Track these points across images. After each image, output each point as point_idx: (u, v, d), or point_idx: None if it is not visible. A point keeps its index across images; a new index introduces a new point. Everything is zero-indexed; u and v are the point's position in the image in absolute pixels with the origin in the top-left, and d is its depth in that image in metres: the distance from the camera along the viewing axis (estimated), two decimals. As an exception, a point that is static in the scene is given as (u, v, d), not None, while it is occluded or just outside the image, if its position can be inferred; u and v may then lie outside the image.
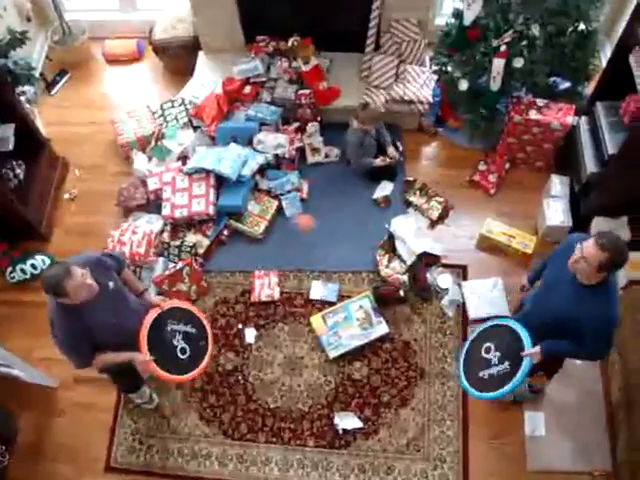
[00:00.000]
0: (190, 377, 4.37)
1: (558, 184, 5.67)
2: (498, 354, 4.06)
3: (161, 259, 5.69)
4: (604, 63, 5.75)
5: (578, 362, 4.84)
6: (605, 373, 5.04)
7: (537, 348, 3.88)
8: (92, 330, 3.88)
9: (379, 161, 5.91)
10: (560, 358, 4.23)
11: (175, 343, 4.29)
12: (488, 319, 4.39)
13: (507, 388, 3.95)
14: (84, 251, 4.36)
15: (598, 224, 5.29)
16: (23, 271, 5.73)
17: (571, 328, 3.70)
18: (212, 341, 4.52)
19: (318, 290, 5.54)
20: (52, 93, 7.03)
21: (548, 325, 3.87)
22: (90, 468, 4.99)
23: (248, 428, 5.04)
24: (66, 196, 6.26)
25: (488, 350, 4.12)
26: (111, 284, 3.98)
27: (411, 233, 5.65)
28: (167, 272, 5.52)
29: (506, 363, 4.00)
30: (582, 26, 5.40)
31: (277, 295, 5.53)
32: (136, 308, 4.28)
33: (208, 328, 4.52)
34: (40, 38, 7.19)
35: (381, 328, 5.28)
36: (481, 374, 4.10)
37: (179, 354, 4.29)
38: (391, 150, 5.97)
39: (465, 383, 4.17)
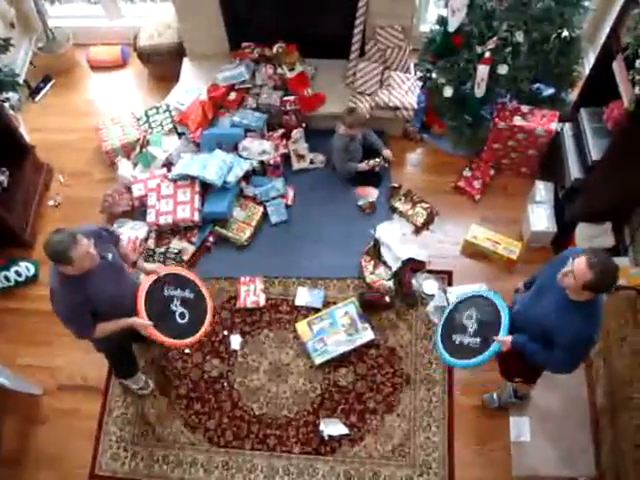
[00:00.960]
0: (191, 342, 4.48)
1: (543, 190, 5.70)
2: (475, 326, 4.13)
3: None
4: (587, 70, 5.78)
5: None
6: (590, 378, 5.06)
7: (508, 337, 3.92)
8: (92, 300, 3.88)
9: (364, 165, 5.91)
10: (537, 365, 4.23)
11: (174, 308, 4.38)
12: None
13: (465, 363, 4.08)
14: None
15: (582, 230, 5.31)
16: (7, 278, 5.69)
17: (548, 337, 3.71)
18: (211, 306, 4.62)
19: (303, 296, 5.53)
20: (36, 100, 7.00)
21: (531, 329, 3.88)
22: (74, 476, 4.95)
23: (233, 435, 5.02)
24: (50, 203, 6.23)
25: (470, 317, 4.19)
26: (110, 256, 4.02)
27: (396, 239, 5.66)
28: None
29: (477, 339, 4.07)
30: (565, 33, 5.43)
31: (262, 302, 5.51)
32: (133, 281, 4.39)
33: (205, 292, 4.61)
34: (24, 45, 7.15)
35: (367, 334, 5.27)
36: (454, 337, 4.19)
37: (178, 319, 4.38)
38: (386, 152, 5.99)
39: (439, 340, 4.28)
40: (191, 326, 4.42)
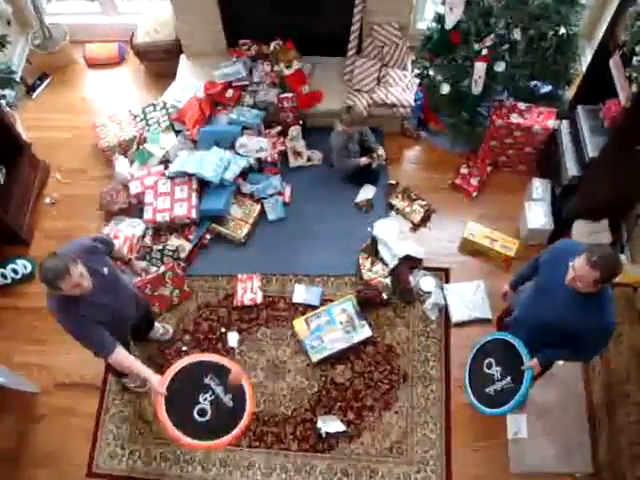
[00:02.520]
0: (187, 443, 3.87)
1: (540, 187, 5.70)
2: (499, 369, 4.13)
3: (143, 263, 5.65)
4: (585, 67, 5.78)
5: (560, 363, 4.87)
6: (586, 375, 5.07)
7: (535, 360, 3.93)
8: (90, 315, 3.85)
9: (364, 160, 5.90)
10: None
11: (200, 400, 3.90)
12: (480, 342, 4.39)
13: (513, 403, 4.00)
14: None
15: (579, 227, 5.32)
16: (4, 276, 5.69)
17: (564, 333, 3.72)
18: (244, 430, 4.02)
19: (301, 294, 5.53)
20: (33, 97, 6.99)
21: (540, 329, 3.90)
22: (72, 474, 4.95)
23: (231, 432, 5.03)
24: (47, 200, 6.22)
25: (490, 365, 4.18)
26: (105, 270, 3.99)
27: (393, 236, 5.66)
28: (149, 276, 5.49)
29: (508, 378, 4.06)
30: (563, 30, 5.43)
31: (260, 299, 5.51)
32: (130, 291, 4.39)
33: (247, 415, 3.94)
34: (20, 42, 7.15)
35: (364, 331, 5.28)
36: (487, 390, 4.16)
37: (195, 413, 3.88)
38: (381, 151, 5.98)
39: (474, 401, 4.21)
40: (203, 429, 3.86)
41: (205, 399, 3.89)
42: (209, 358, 4.03)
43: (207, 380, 3.93)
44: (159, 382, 3.87)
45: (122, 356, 3.98)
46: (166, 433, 3.91)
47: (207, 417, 3.86)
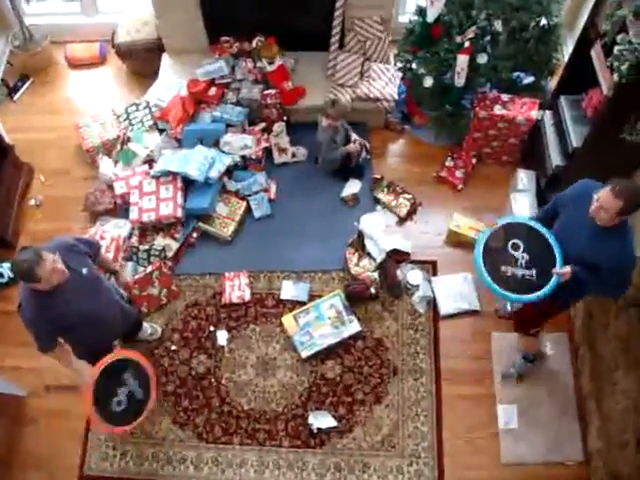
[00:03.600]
0: (103, 428, 4.42)
1: (524, 178, 5.72)
2: (526, 256, 4.03)
3: (130, 263, 5.65)
4: (566, 57, 5.80)
5: (549, 353, 4.90)
6: (575, 364, 5.10)
7: (569, 268, 3.87)
8: (63, 316, 3.85)
9: (352, 146, 5.90)
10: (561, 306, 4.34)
11: (119, 391, 4.30)
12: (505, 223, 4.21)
13: (528, 297, 3.97)
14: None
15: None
16: (-11, 279, 5.66)
17: (588, 267, 3.78)
18: (145, 416, 4.43)
19: (289, 290, 5.53)
20: (14, 99, 6.94)
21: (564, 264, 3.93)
22: (63, 476, 4.93)
23: (222, 430, 5.02)
24: (32, 202, 6.18)
25: (516, 247, 4.07)
26: (84, 270, 3.97)
27: (380, 230, 5.67)
28: (137, 276, 5.48)
29: (533, 270, 3.99)
30: (544, 21, 5.46)
31: (248, 296, 5.51)
32: (111, 297, 4.35)
33: (152, 399, 4.43)
34: (0, 43, 7.08)
35: (353, 326, 5.29)
36: (504, 269, 4.04)
37: (114, 403, 4.28)
38: (355, 137, 5.98)
39: (485, 274, 4.06)
40: (116, 417, 4.29)
41: (122, 391, 4.30)
42: (130, 355, 4.42)
43: (125, 375, 4.32)
44: (90, 375, 4.16)
45: (56, 355, 4.16)
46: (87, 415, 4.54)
47: (123, 406, 4.30)
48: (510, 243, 4.08)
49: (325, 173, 6.12)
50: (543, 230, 4.05)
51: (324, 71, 6.36)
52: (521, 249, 4.06)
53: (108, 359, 4.24)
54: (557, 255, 3.95)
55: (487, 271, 4.04)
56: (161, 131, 6.29)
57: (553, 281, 3.92)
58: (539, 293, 3.93)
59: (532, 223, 4.11)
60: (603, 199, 3.52)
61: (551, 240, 4.00)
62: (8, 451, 5.02)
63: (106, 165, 6.14)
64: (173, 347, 5.33)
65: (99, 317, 4.12)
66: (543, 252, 4.00)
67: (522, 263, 4.03)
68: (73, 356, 4.27)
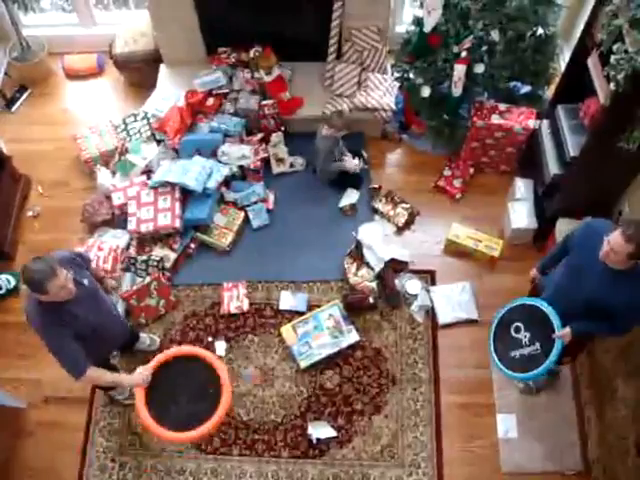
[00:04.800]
0: (163, 436, 4.03)
1: (522, 187, 5.72)
2: (528, 334, 4.15)
3: (128, 274, 5.64)
4: (563, 67, 5.82)
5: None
6: (574, 373, 5.09)
7: (567, 329, 3.94)
8: (70, 326, 3.82)
9: (350, 163, 5.93)
10: (585, 340, 4.37)
11: (178, 396, 4.09)
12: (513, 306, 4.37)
13: (540, 369, 4.03)
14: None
15: (562, 225, 5.34)
16: (-13, 291, 5.65)
17: (600, 309, 3.79)
18: (217, 424, 4.11)
19: (287, 300, 5.53)
20: (12, 110, 6.94)
21: (575, 307, 3.95)
22: (62, 488, 4.92)
23: (221, 441, 5.01)
24: (29, 213, 6.18)
25: (518, 330, 4.21)
26: (85, 281, 3.98)
27: (378, 240, 5.67)
28: (135, 287, 5.47)
29: (537, 344, 4.09)
30: (541, 31, 5.49)
31: (246, 307, 5.50)
32: (110, 307, 4.38)
33: (221, 411, 4.07)
34: (-2, 55, 7.11)
35: (351, 336, 5.28)
36: (512, 354, 4.19)
37: (172, 407, 4.06)
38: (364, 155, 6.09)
39: (498, 363, 4.25)
40: (177, 423, 4.01)
41: (182, 396, 4.09)
42: (192, 351, 4.22)
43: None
44: (144, 374, 4.04)
45: (94, 377, 4.04)
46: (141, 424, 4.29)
47: (185, 412, 4.03)
48: (512, 328, 4.24)
49: (323, 183, 6.12)
50: (536, 302, 4.16)
51: (322, 81, 6.38)
52: (522, 329, 4.20)
53: (153, 365, 4.09)
54: (554, 320, 4.03)
55: (503, 363, 4.24)
56: (159, 142, 6.28)
57: (557, 345, 3.99)
58: (547, 362, 4.00)
59: (525, 300, 4.28)
60: (614, 243, 3.49)
61: (544, 307, 4.09)
62: (7, 463, 5.00)
63: (104, 176, 6.13)
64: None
65: (101, 328, 4.11)
66: (541, 323, 4.09)
67: (526, 342, 4.16)
68: (110, 375, 4.14)
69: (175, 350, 4.25)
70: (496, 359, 4.26)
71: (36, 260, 3.59)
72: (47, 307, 3.70)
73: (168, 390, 4.08)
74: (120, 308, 5.28)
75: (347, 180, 6.05)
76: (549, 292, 4.22)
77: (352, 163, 5.93)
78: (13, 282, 5.66)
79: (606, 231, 3.60)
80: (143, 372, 4.06)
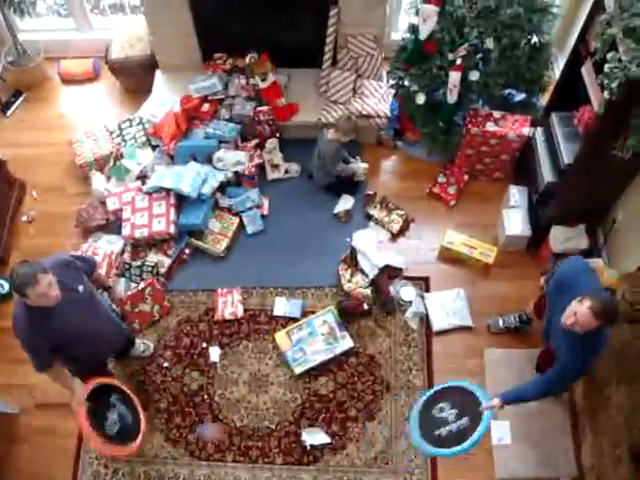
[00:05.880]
0: (104, 448, 4.46)
1: (516, 194, 5.74)
2: (454, 411, 4.22)
3: (122, 280, 5.63)
4: (558, 75, 5.84)
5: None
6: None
7: (495, 400, 4.06)
8: (57, 332, 3.84)
9: (356, 166, 5.97)
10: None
11: (108, 414, 4.45)
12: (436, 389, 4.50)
13: (472, 439, 4.04)
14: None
15: (556, 233, 5.36)
16: (-19, 296, 5.63)
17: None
18: (140, 442, 4.55)
19: (282, 306, 5.52)
20: (7, 114, 6.94)
21: (553, 341, 4.10)
22: (55, 495, 4.89)
23: (215, 448, 5.00)
24: (24, 218, 6.17)
25: (442, 410, 4.27)
26: (80, 288, 3.97)
27: (373, 247, 5.68)
28: (129, 293, 5.47)
29: (464, 419, 4.15)
30: (535, 39, 5.50)
31: (241, 313, 5.50)
32: (106, 313, 4.38)
33: (142, 423, 4.58)
34: (-6, 59, 7.11)
35: (346, 342, 5.28)
36: (437, 432, 4.20)
37: (108, 424, 4.42)
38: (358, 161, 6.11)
39: (423, 443, 4.23)
40: (115, 439, 4.42)
41: (112, 414, 4.47)
42: (111, 381, 4.58)
43: (113, 399, 4.50)
44: (81, 396, 4.23)
45: (52, 374, 4.13)
46: (87, 440, 4.64)
47: (114, 430, 4.43)
48: (436, 410, 4.30)
49: (318, 188, 6.13)
50: (456, 383, 4.33)
51: (317, 88, 6.40)
52: (447, 408, 4.26)
53: (93, 383, 4.32)
54: (477, 394, 4.15)
55: (429, 443, 4.20)
56: (154, 147, 6.29)
57: (487, 415, 4.07)
58: (478, 431, 4.04)
59: (443, 385, 4.41)
60: (580, 317, 3.51)
61: (465, 385, 4.26)
62: (0, 469, 4.97)
63: (99, 181, 6.13)
64: (165, 364, 5.31)
65: (94, 334, 4.11)
66: (466, 399, 4.19)
67: (453, 418, 4.20)
68: (69, 375, 4.25)
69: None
70: (425, 444, 4.23)
71: (23, 264, 3.60)
72: (33, 310, 3.71)
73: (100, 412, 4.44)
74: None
75: (343, 186, 6.05)
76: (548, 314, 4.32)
77: (360, 167, 5.94)
78: (7, 287, 5.65)
79: (577, 286, 3.69)
80: (79, 396, 4.23)
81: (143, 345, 5.27)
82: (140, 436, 4.50)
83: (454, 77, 5.40)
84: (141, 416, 4.58)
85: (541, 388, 4.03)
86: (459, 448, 4.08)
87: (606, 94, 4.20)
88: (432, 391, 4.44)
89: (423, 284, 5.65)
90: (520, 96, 6.01)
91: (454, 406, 4.22)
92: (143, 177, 6.12)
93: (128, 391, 4.59)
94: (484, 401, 4.09)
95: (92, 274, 4.31)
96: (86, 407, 4.21)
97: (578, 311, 3.52)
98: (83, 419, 4.21)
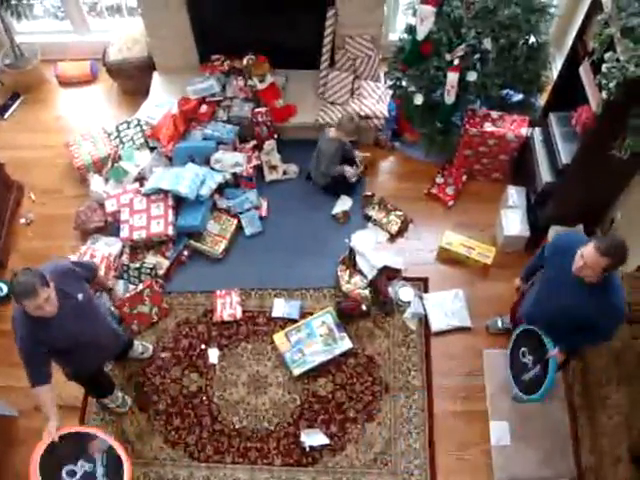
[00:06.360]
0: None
1: (515, 195, 5.74)
2: (531, 358, 4.34)
3: (121, 282, 5.62)
4: (555, 75, 5.85)
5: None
6: (566, 379, 5.09)
7: (556, 350, 4.13)
8: (55, 339, 3.83)
9: (349, 169, 5.94)
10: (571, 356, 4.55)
11: (77, 462, 4.00)
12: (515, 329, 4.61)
13: (542, 390, 4.21)
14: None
15: (555, 233, 5.36)
16: (-21, 298, 5.62)
17: (576, 321, 3.86)
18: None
19: (280, 308, 5.52)
20: (5, 117, 6.94)
21: (553, 322, 4.08)
22: (54, 497, 4.87)
23: (214, 449, 4.99)
24: (22, 221, 6.16)
25: (524, 354, 4.43)
26: (80, 296, 3.95)
27: (371, 247, 5.68)
28: (127, 294, 5.46)
29: (537, 367, 4.28)
30: (533, 39, 5.52)
31: (239, 314, 5.49)
32: (105, 319, 4.35)
33: (124, 458, 4.11)
34: (-9, 62, 7.10)
35: (344, 343, 5.28)
36: (523, 377, 4.43)
37: (65, 471, 3.95)
38: (360, 157, 6.11)
39: (518, 391, 4.52)
40: None
41: (82, 466, 3.98)
42: (109, 439, 4.15)
43: (96, 455, 4.05)
44: (55, 427, 3.92)
45: (40, 397, 3.97)
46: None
47: None
48: (520, 353, 4.46)
49: (316, 189, 6.12)
50: (532, 327, 4.34)
51: (315, 89, 6.39)
52: (527, 353, 4.41)
53: (87, 429, 4.22)
54: (546, 342, 4.20)
55: (519, 388, 4.50)
56: (152, 149, 6.28)
57: (551, 366, 4.16)
58: (546, 383, 4.19)
59: (522, 328, 4.47)
60: (588, 257, 3.52)
61: (539, 331, 4.27)
62: (-2, 472, 4.98)
63: (97, 183, 6.13)
64: (163, 355, 5.33)
65: (93, 341, 4.11)
66: (539, 346, 4.27)
67: (530, 365, 4.36)
68: (54, 403, 4.05)
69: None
70: (514, 385, 4.52)
71: (25, 271, 3.58)
72: (32, 318, 3.69)
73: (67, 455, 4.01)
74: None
75: (339, 186, 6.05)
76: (526, 309, 4.38)
77: (350, 172, 5.92)
78: (5, 290, 5.64)
79: (577, 244, 3.65)
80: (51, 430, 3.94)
81: (142, 347, 5.26)
82: None
83: (452, 78, 5.40)
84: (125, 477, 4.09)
85: (592, 338, 4.08)
86: (533, 397, 4.32)
87: (604, 94, 4.20)
88: (516, 333, 4.54)
89: (422, 285, 5.65)
90: (518, 96, 6.02)
91: (530, 352, 4.34)
92: (141, 179, 6.11)
93: (121, 452, 4.15)
94: (550, 348, 4.15)
95: (93, 279, 4.31)
96: (49, 440, 3.91)
97: (585, 253, 3.54)
98: (35, 453, 3.86)
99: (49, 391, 3.98)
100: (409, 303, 5.48)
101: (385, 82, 6.33)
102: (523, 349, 4.38)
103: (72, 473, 3.94)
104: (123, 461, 4.07)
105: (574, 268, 3.63)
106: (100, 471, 4.01)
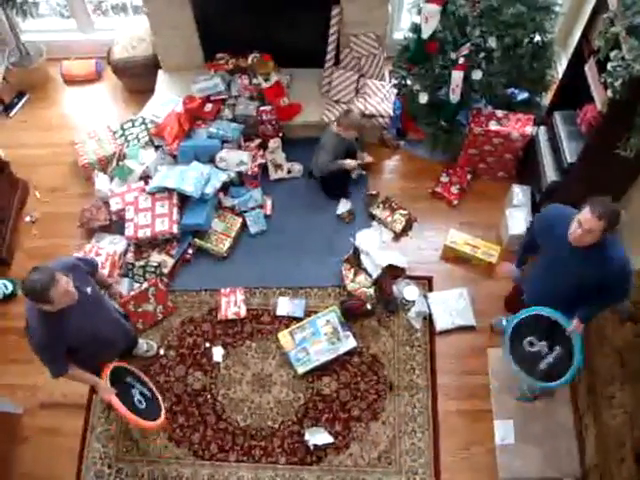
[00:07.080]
0: (147, 424, 4.49)
1: (520, 193, 5.73)
2: (544, 343, 4.22)
3: (126, 280, 5.63)
4: (560, 73, 5.84)
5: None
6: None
7: (576, 321, 4.08)
8: (72, 336, 3.85)
9: (349, 162, 5.90)
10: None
11: (133, 393, 4.54)
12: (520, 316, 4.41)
13: (575, 365, 4.12)
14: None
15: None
16: (-16, 296, 5.63)
17: (591, 285, 3.85)
18: (164, 411, 4.76)
19: (285, 306, 5.52)
20: (10, 115, 6.95)
21: (562, 296, 4.07)
22: (58, 495, 4.89)
23: (218, 447, 5.00)
24: (27, 219, 6.18)
25: (532, 344, 4.25)
26: (89, 290, 3.98)
27: (376, 246, 5.67)
28: (132, 293, 5.47)
29: (557, 348, 4.18)
30: (538, 37, 5.51)
31: (244, 312, 5.49)
32: (112, 315, 4.38)
33: (160, 399, 4.83)
34: (-4, 60, 7.11)
35: (349, 342, 5.28)
36: (539, 367, 4.22)
37: (137, 403, 4.51)
38: (364, 155, 6.08)
39: (537, 382, 4.27)
40: (147, 414, 4.52)
41: (135, 393, 4.57)
42: (120, 364, 4.64)
43: (129, 379, 4.62)
44: (105, 385, 4.30)
45: (69, 375, 4.13)
46: (131, 422, 4.54)
47: (144, 405, 4.56)
48: (526, 344, 4.28)
49: (320, 188, 6.12)
50: (538, 310, 4.25)
51: (320, 87, 6.39)
52: (536, 342, 4.26)
53: (106, 371, 4.36)
54: (559, 319, 4.16)
55: (537, 379, 4.24)
56: (157, 147, 6.28)
57: (577, 340, 4.12)
58: (577, 358, 4.12)
59: (522, 315, 4.32)
60: (586, 223, 3.53)
61: (545, 313, 4.22)
62: (3, 469, 4.97)
63: (102, 181, 6.13)
64: (161, 351, 5.39)
65: (103, 336, 4.13)
66: (551, 327, 4.20)
67: (546, 350, 4.23)
68: (83, 371, 4.23)
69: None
70: (534, 379, 4.26)
71: (35, 270, 3.57)
72: (48, 317, 3.69)
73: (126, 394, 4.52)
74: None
75: (338, 185, 6.06)
76: (531, 294, 4.36)
77: (351, 164, 5.89)
78: (10, 287, 5.65)
79: (567, 214, 3.70)
80: (102, 385, 4.31)
81: (146, 345, 5.27)
82: (163, 408, 4.72)
83: (457, 76, 5.40)
84: (154, 390, 4.79)
85: (610, 299, 4.07)
86: (567, 377, 4.15)
87: (609, 93, 4.20)
88: (510, 328, 4.37)
89: (426, 284, 5.65)
90: (523, 95, 6.00)
91: (541, 338, 4.25)
92: (146, 177, 6.11)
93: (135, 370, 4.75)
94: (567, 324, 4.12)
95: (94, 275, 4.31)
96: (114, 394, 4.29)
97: (583, 220, 3.55)
98: (120, 406, 4.28)
99: (73, 371, 4.10)
100: (414, 302, 5.47)
101: (390, 81, 6.33)
102: (529, 339, 4.27)
103: (140, 402, 4.57)
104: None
105: (572, 238, 3.64)
106: (139, 385, 4.69)
